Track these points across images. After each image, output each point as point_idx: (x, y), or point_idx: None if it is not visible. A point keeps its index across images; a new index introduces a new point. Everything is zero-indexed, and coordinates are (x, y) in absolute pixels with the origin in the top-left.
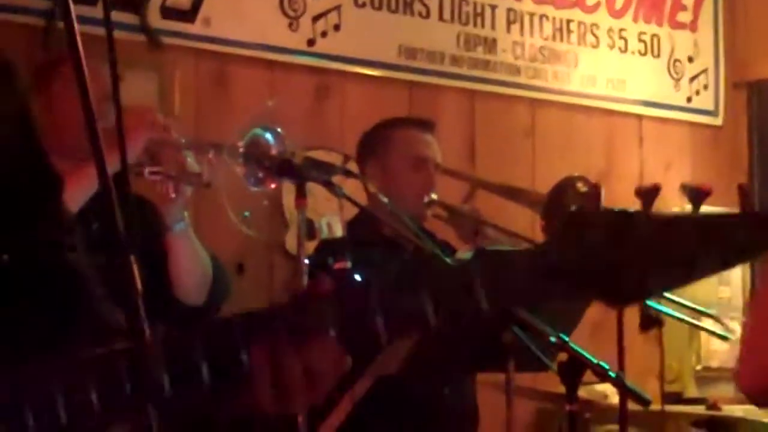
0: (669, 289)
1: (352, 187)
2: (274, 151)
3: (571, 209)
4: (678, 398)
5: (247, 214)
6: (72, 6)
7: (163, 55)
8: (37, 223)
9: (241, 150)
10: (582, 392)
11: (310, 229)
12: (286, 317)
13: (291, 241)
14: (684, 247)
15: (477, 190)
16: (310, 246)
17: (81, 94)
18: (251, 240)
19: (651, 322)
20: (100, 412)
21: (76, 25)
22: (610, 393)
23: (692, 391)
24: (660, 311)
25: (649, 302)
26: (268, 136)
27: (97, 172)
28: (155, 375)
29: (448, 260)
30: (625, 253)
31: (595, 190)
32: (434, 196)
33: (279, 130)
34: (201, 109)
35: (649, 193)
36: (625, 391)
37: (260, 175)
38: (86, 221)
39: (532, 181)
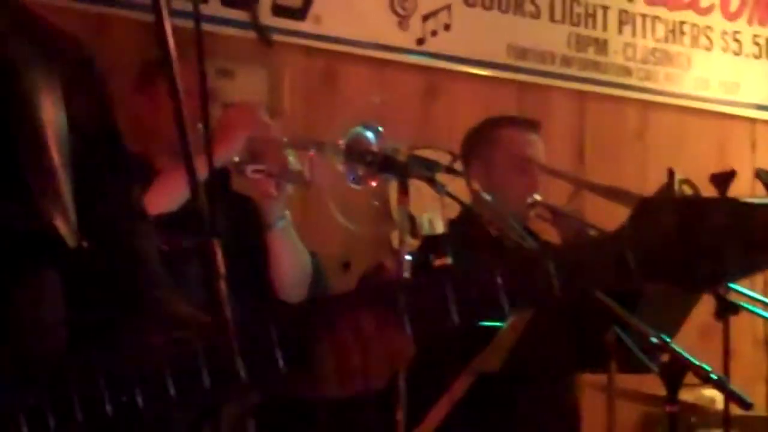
0: (745, 275)
1: (459, 186)
2: (375, 149)
3: (644, 196)
4: None
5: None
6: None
7: (274, 53)
8: (111, 210)
9: (341, 148)
10: (689, 396)
11: (412, 226)
12: (350, 301)
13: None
14: (759, 233)
15: (583, 191)
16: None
17: (171, 91)
18: (358, 237)
19: (727, 309)
20: (176, 395)
21: (167, 21)
22: (718, 398)
23: None
24: (737, 293)
25: (731, 286)
26: (369, 134)
27: (185, 168)
28: (231, 358)
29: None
30: (699, 239)
31: (669, 176)
32: (538, 197)
33: (380, 128)
34: (310, 107)
35: (724, 179)
36: (726, 394)
37: (360, 173)
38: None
39: (642, 184)
